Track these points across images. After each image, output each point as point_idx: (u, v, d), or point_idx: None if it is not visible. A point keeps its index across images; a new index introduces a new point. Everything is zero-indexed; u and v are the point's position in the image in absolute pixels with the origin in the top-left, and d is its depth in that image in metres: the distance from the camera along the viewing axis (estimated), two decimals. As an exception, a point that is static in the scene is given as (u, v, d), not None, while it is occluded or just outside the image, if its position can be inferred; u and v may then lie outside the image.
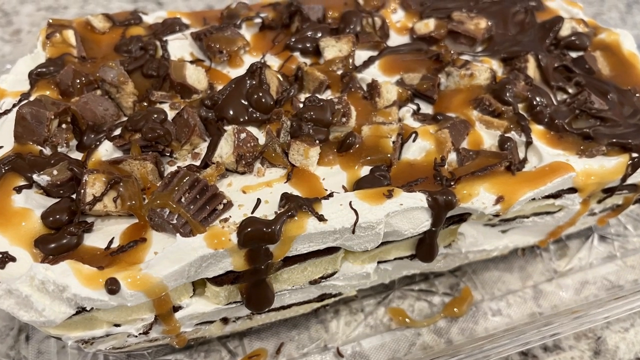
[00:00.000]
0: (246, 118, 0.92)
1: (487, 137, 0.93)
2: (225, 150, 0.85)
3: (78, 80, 0.94)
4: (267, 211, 0.79)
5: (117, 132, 0.89)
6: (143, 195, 0.81)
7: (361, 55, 1.07)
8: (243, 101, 0.92)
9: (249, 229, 0.74)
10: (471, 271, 1.10)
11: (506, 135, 0.92)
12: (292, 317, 1.00)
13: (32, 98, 0.93)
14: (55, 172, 0.79)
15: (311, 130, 0.88)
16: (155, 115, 0.87)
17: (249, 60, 1.06)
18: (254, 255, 0.76)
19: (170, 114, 0.91)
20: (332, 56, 1.04)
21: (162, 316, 0.80)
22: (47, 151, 0.85)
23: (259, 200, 0.81)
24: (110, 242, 0.77)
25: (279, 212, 0.77)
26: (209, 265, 0.76)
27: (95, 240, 0.77)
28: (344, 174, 0.86)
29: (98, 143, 0.88)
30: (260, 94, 0.92)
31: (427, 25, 1.12)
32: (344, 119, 0.91)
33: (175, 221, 0.75)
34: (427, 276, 1.09)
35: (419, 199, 0.81)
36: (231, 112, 0.91)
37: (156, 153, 0.85)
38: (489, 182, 0.85)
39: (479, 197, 0.83)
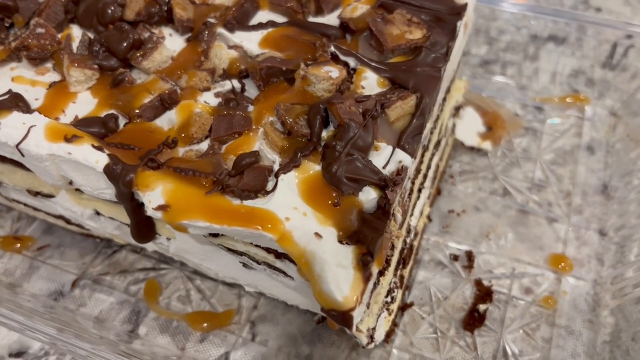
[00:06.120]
0: (89, 24, 0.91)
1: (256, 149, 0.74)
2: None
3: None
4: (5, 103, 0.80)
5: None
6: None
7: (265, 17, 0.93)
8: (94, 9, 0.91)
9: (-64, 100, 0.77)
10: (252, 306, 0.92)
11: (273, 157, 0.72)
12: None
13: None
14: None
15: (103, 54, 0.84)
16: (16, -11, 0.94)
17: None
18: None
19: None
20: (218, 2, 0.92)
21: None
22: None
23: (9, 91, 0.82)
24: None
25: (-6, 104, 0.78)
26: None
27: None
28: (93, 106, 0.80)
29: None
30: (110, 8, 0.90)
31: (354, 10, 0.89)
32: (140, 59, 0.83)
33: None
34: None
35: (93, 160, 0.71)
36: (81, 14, 0.92)
37: (-4, 19, 0.92)
38: (176, 186, 0.69)
39: (152, 193, 0.69)
